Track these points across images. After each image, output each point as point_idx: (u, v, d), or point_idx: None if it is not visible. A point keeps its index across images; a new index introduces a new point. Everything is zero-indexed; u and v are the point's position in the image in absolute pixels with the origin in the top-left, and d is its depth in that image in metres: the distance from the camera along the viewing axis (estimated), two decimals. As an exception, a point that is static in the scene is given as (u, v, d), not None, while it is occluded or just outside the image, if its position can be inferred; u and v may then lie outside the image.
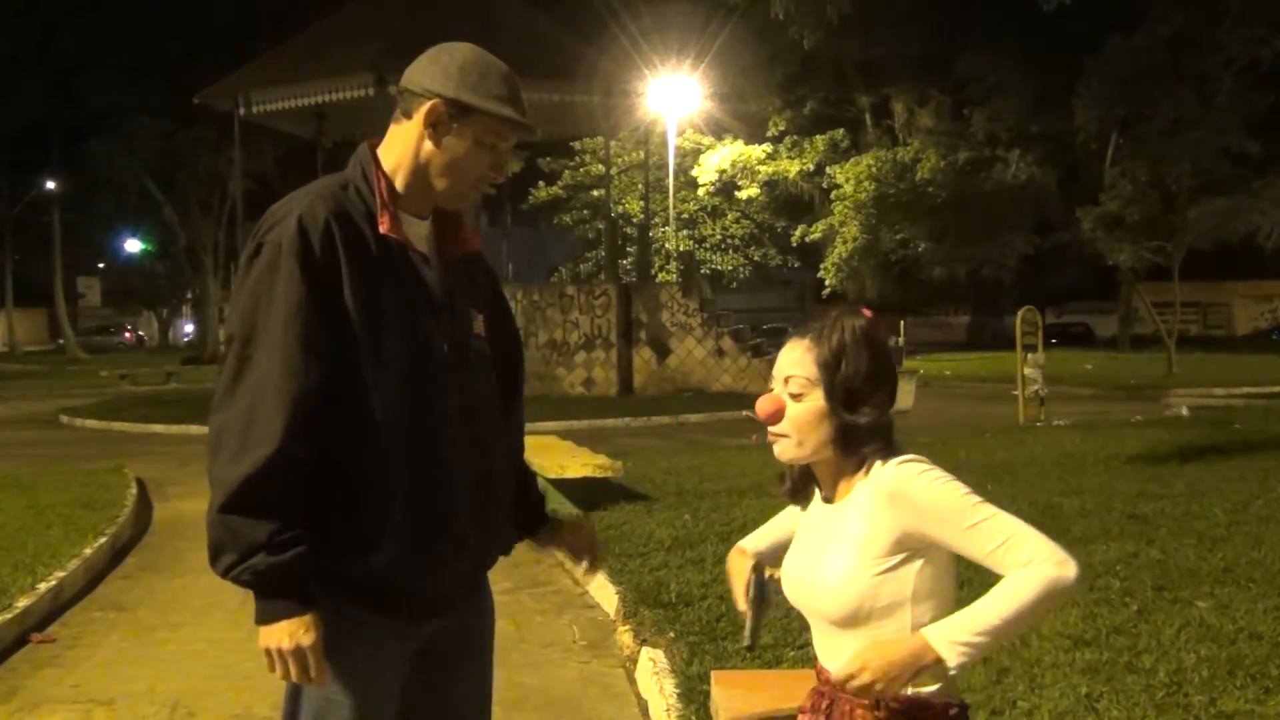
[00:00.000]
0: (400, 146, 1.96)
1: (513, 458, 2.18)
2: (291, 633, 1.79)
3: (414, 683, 2.03)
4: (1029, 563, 1.65)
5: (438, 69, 1.92)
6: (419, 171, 1.95)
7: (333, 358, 1.83)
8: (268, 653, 1.81)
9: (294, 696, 1.94)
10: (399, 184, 1.96)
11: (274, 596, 1.79)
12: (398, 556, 1.89)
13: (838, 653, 1.78)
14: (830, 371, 1.78)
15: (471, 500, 1.98)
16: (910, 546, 1.73)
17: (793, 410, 1.81)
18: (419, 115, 1.93)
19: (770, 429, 1.84)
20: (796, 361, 1.82)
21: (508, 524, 2.14)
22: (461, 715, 2.12)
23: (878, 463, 1.78)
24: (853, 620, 1.75)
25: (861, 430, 1.78)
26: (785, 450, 1.83)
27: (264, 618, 1.81)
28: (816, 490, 1.91)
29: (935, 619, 1.71)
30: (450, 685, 2.09)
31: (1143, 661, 4.02)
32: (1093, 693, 3.71)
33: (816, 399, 1.79)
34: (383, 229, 1.90)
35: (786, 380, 1.82)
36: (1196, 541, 6.03)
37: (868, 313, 1.83)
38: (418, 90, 1.93)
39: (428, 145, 1.93)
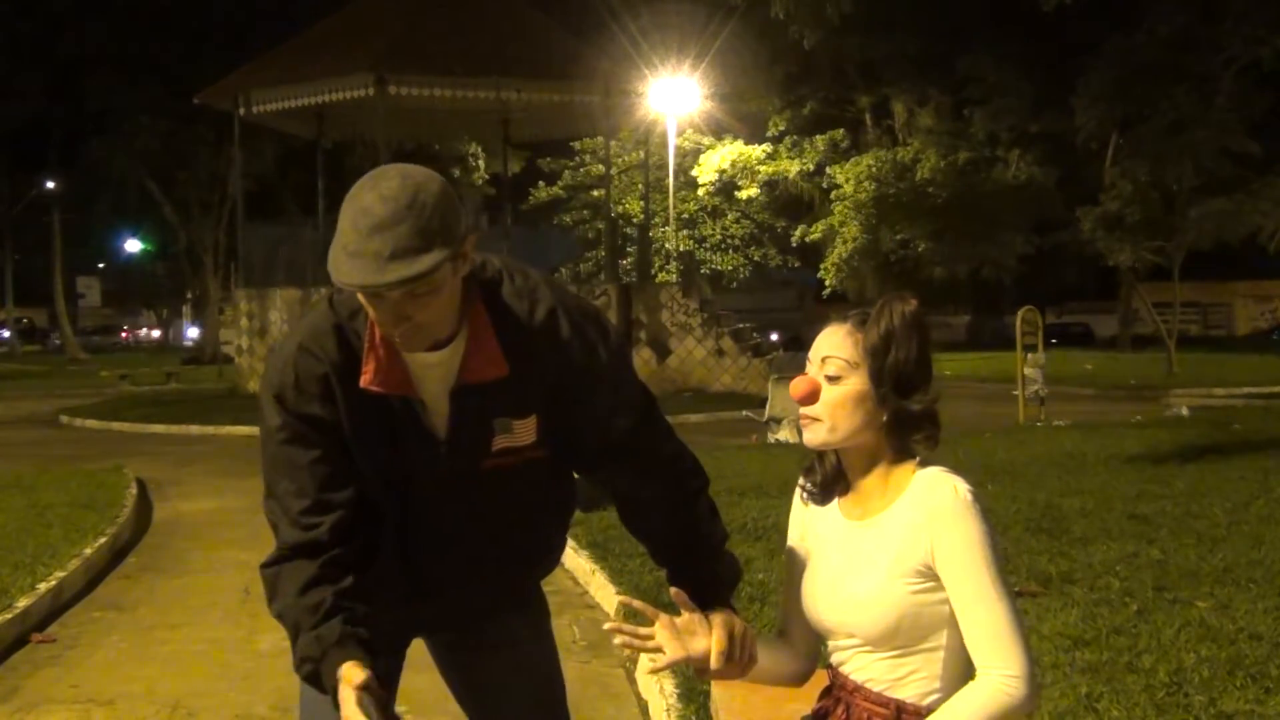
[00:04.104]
0: None
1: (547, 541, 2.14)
2: None
3: (448, 668, 2.20)
4: (985, 668, 1.66)
5: None
6: None
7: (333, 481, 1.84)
8: None
9: None
10: None
11: None
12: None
13: (864, 667, 1.77)
14: (879, 356, 1.73)
15: (441, 602, 2.02)
16: (936, 573, 1.71)
17: (828, 393, 1.75)
18: None
19: (802, 411, 1.78)
20: (837, 344, 1.76)
21: (504, 606, 2.13)
22: (504, 700, 2.16)
23: (921, 472, 1.75)
24: (889, 640, 1.72)
25: (914, 416, 1.74)
26: (816, 434, 1.77)
27: None
28: (835, 504, 1.85)
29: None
30: (478, 675, 2.16)
31: (1143, 661, 4.01)
32: (1093, 693, 3.71)
33: (855, 383, 1.74)
34: (363, 382, 1.81)
35: (824, 361, 1.77)
36: (1196, 541, 6.02)
37: (915, 299, 1.79)
38: None
39: None
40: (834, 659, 1.83)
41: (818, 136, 31.60)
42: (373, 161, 27.80)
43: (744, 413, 15.20)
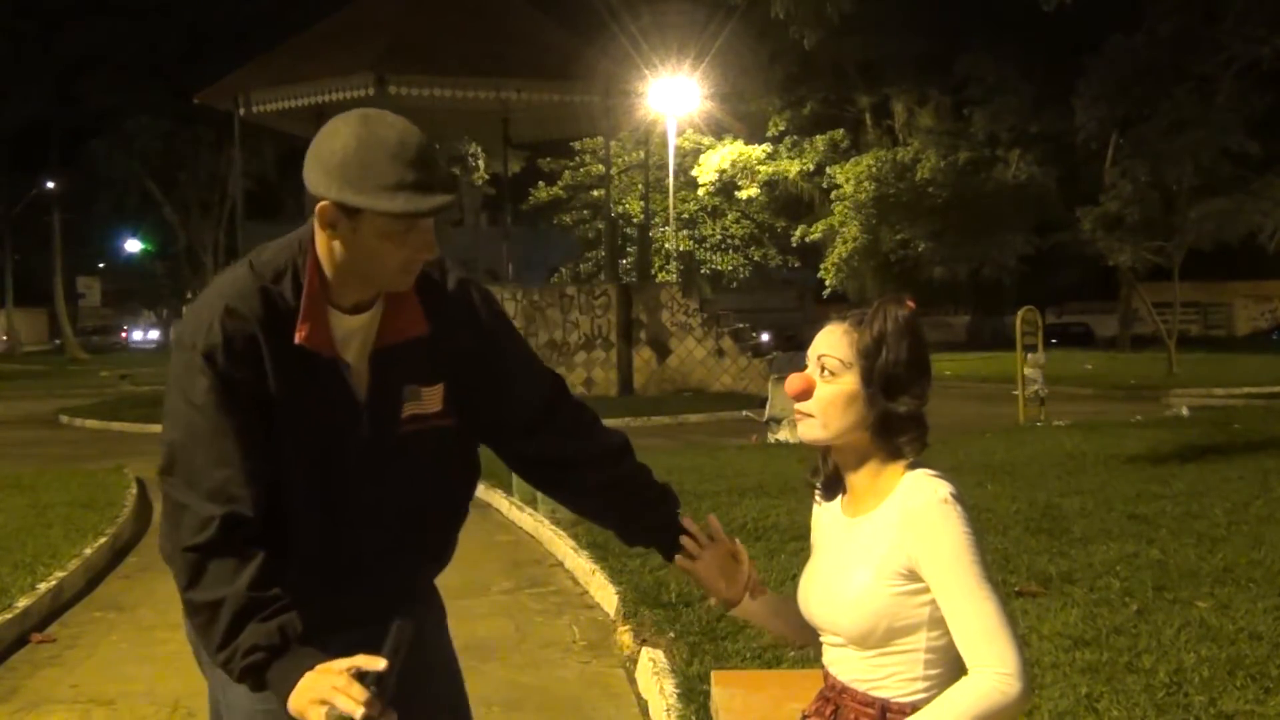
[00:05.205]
0: (319, 245, 1.84)
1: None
2: None
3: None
4: (977, 666, 1.66)
5: (319, 165, 1.74)
6: (340, 270, 1.82)
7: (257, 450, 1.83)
8: None
9: None
10: (330, 280, 1.83)
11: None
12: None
13: (849, 666, 1.79)
14: (870, 358, 1.76)
15: (367, 581, 1.96)
16: (920, 576, 1.72)
17: (822, 390, 1.79)
18: (316, 217, 1.78)
19: (797, 407, 1.82)
20: (833, 343, 1.80)
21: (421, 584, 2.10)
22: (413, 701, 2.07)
23: (907, 475, 1.77)
24: (868, 639, 1.74)
25: (899, 419, 1.77)
26: (809, 430, 1.81)
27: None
28: (839, 501, 1.88)
29: (949, 644, 1.70)
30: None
31: (1143, 661, 4.01)
32: (1093, 693, 3.71)
33: (848, 382, 1.78)
34: (298, 338, 1.81)
35: (820, 360, 1.81)
36: (1196, 541, 6.03)
37: (911, 303, 1.81)
38: (309, 189, 1.76)
39: (336, 245, 1.79)
40: (824, 658, 1.86)
41: (818, 136, 31.63)
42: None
43: (744, 413, 15.22)
